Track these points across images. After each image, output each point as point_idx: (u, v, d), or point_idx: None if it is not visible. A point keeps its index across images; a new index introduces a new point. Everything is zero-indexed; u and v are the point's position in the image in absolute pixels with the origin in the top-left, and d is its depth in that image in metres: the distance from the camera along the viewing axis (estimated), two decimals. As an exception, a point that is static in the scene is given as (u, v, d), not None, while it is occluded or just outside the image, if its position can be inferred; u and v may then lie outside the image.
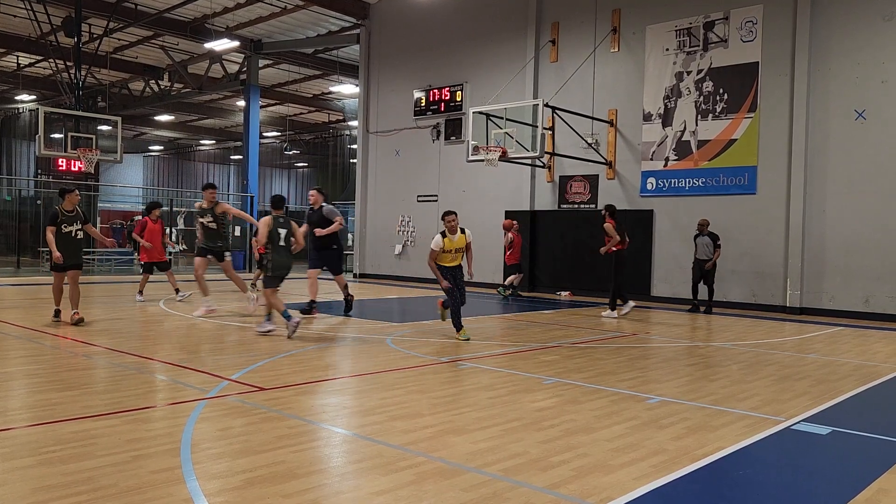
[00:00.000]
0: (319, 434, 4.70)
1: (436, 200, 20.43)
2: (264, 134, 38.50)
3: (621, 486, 3.79)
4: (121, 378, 6.22)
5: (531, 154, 15.08)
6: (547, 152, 16.24)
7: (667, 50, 15.91)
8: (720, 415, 5.46)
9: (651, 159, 16.12)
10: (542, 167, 17.48)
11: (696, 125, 15.46)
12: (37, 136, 18.27)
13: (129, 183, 43.01)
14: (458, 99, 19.75)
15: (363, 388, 6.15)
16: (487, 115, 15.42)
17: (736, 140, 14.89)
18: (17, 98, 33.08)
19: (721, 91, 15.12)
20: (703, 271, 13.50)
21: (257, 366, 6.89)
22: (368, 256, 22.49)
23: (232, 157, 47.07)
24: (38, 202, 28.32)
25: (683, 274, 15.48)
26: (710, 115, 15.26)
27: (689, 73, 15.60)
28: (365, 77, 22.48)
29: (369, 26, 22.23)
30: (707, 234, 13.51)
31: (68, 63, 22.28)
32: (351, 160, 35.32)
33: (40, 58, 26.34)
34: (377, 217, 22.23)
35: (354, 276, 22.67)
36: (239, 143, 38.74)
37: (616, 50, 16.73)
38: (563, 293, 17.33)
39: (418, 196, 20.90)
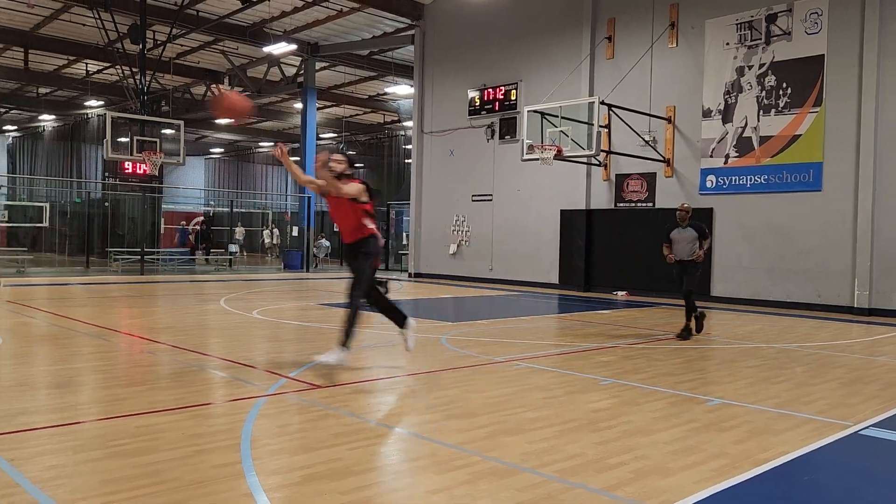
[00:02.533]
0: (375, 432, 4.74)
1: (490, 200, 20.40)
2: (321, 135, 39.07)
3: (681, 489, 3.72)
4: (183, 374, 6.39)
5: (587, 152, 14.93)
6: (603, 150, 16.05)
7: (727, 44, 15.53)
8: (784, 418, 5.30)
9: (711, 156, 15.76)
10: (598, 165, 17.28)
11: (758, 121, 15.05)
12: (104, 141, 18.93)
13: (191, 185, 44.23)
14: (513, 98, 19.67)
15: (418, 387, 6.18)
16: (542, 114, 15.32)
17: (800, 136, 14.43)
18: (87, 104, 34.36)
19: (784, 85, 14.67)
20: (687, 272, 9.72)
21: (314, 364, 7.00)
22: (423, 256, 22.60)
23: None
24: (106, 204, 29.37)
25: (745, 273, 15.11)
26: (773, 111, 14.83)
27: (750, 67, 15.19)
28: (419, 77, 22.59)
29: (423, 27, 22.33)
30: (690, 226, 9.71)
31: (134, 69, 23.03)
32: (406, 160, 35.56)
33: (108, 64, 27.29)
34: (432, 217, 22.32)
35: (410, 275, 22.81)
36: (296, 145, 39.43)
37: (674, 45, 16.42)
38: (620, 293, 17.09)
39: (473, 196, 20.90)
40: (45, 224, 25.71)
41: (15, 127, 42.07)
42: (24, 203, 33.03)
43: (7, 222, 33.72)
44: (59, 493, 3.45)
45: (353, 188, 6.49)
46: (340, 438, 4.47)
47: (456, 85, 21.39)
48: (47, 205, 26.39)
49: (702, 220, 15.48)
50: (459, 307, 14.07)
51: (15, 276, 18.64)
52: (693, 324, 9.71)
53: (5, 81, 31.54)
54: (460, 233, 21.36)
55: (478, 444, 4.41)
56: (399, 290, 17.67)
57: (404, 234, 27.50)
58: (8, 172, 41.87)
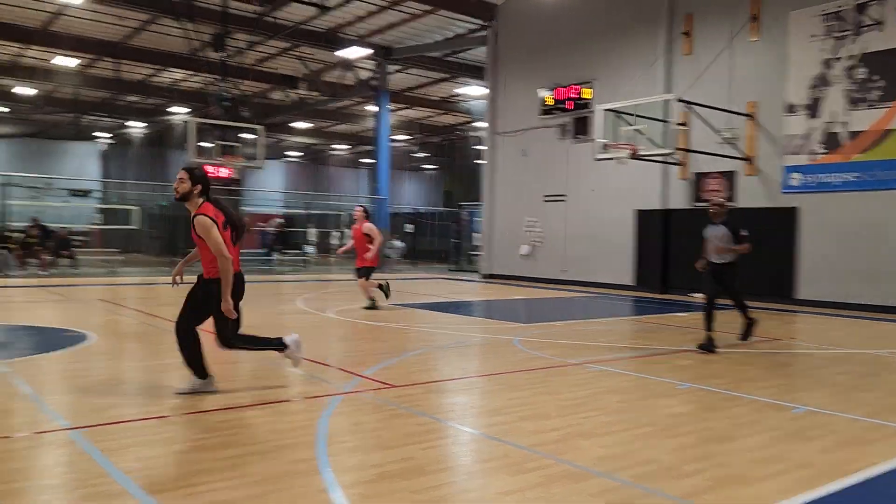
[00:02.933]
0: (447, 432, 4.76)
1: (563, 200, 20.20)
2: (394, 138, 39.53)
3: (762, 499, 3.59)
4: (263, 372, 6.58)
5: (663, 151, 14.59)
6: (680, 149, 15.65)
7: (813, 36, 14.90)
8: (876, 428, 5.04)
9: (796, 153, 15.15)
10: (675, 164, 16.86)
11: (847, 115, 14.37)
12: (189, 146, 19.66)
13: (269, 187, 45.45)
14: (587, 97, 19.41)
15: (490, 388, 6.18)
16: (617, 113, 15.06)
17: (893, 130, 13.71)
18: (171, 111, 35.81)
19: (876, 78, 13.96)
20: (722, 279, 8.79)
21: (388, 363, 7.08)
22: (496, 257, 22.55)
23: (363, 160, 48.67)
24: (189, 207, 30.49)
25: (833, 275, 14.44)
26: (863, 104, 14.13)
27: (838, 59, 14.52)
28: (492, 78, 22.57)
29: (496, 27, 22.29)
30: (723, 224, 8.78)
31: (216, 76, 23.84)
32: (477, 161, 35.60)
33: (191, 72, 28.34)
34: (504, 218, 22.25)
35: (482, 276, 22.80)
36: (370, 148, 40.10)
37: (755, 39, 15.85)
38: (698, 295, 16.61)
39: (545, 196, 20.73)
40: (136, 226, 26.85)
41: (107, 134, 44.23)
42: (115, 206, 34.66)
43: (101, 225, 35.47)
44: (145, 482, 3.61)
45: (211, 241, 5.61)
46: (413, 438, 4.51)
47: (528, 85, 21.26)
48: (137, 208, 27.55)
49: (786, 221, 15.02)
50: (532, 309, 13.98)
51: (108, 276, 19.57)
52: (713, 334, 8.43)
53: (98, 90, 33.16)
54: (533, 233, 21.22)
55: (551, 447, 4.37)
56: (473, 291, 17.69)
57: (476, 235, 27.50)
58: (101, 178, 44.05)
